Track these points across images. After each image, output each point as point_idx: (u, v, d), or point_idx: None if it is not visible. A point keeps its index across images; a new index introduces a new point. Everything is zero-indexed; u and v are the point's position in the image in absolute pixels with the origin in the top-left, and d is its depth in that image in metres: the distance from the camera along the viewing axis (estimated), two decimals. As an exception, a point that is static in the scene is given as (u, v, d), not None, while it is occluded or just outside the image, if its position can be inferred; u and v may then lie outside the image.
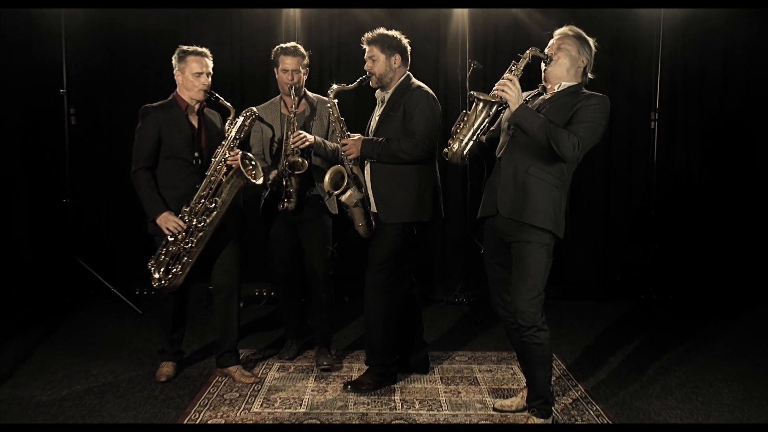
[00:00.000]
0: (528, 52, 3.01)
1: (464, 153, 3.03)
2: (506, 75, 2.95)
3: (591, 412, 3.37)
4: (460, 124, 3.05)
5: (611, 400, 3.53)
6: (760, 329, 4.76)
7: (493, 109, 3.01)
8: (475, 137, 3.03)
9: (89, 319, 4.89)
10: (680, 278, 5.52)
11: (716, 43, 5.44)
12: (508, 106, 2.94)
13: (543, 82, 3.10)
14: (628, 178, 5.60)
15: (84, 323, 4.80)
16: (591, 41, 3.08)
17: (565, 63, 3.02)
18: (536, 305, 2.96)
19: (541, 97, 3.09)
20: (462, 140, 3.03)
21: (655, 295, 5.32)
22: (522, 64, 3.00)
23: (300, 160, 3.68)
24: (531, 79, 3.37)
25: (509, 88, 2.90)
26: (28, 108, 5.38)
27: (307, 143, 3.68)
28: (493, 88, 2.94)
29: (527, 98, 3.10)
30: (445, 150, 3.07)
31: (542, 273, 2.98)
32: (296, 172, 3.68)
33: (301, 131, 3.70)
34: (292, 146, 3.67)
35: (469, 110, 3.04)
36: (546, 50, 3.05)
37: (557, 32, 3.09)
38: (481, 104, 2.98)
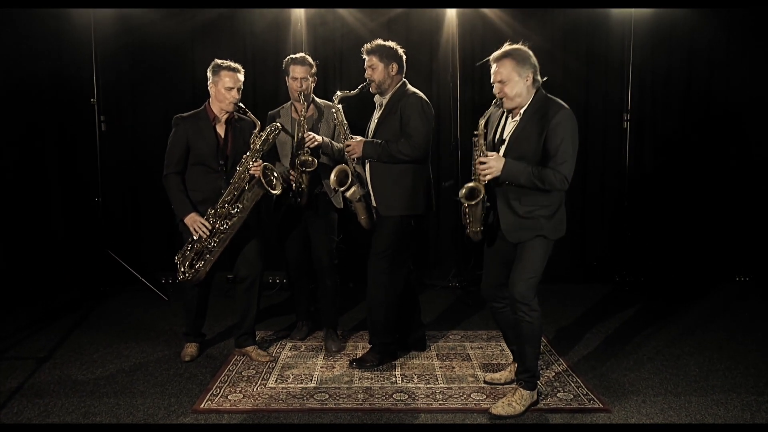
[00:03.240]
0: (480, 126, 2.95)
1: (482, 233, 3.08)
2: (478, 160, 2.92)
3: (572, 384, 3.38)
4: (468, 218, 3.02)
5: (590, 373, 3.53)
6: (721, 307, 4.77)
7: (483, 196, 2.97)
8: (483, 218, 3.04)
9: (120, 306, 4.89)
10: (651, 262, 5.52)
11: (681, 47, 5.42)
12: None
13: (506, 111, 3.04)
14: (602, 173, 5.58)
15: (115, 309, 4.80)
16: (524, 49, 2.93)
17: (514, 92, 2.91)
18: (531, 286, 2.96)
19: (509, 126, 3.01)
20: (476, 229, 3.05)
21: (628, 277, 5.32)
22: (481, 139, 2.95)
23: (310, 158, 3.66)
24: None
25: (488, 170, 2.88)
26: (63, 116, 5.36)
27: (316, 143, 3.67)
28: (477, 175, 2.93)
29: (497, 125, 3.06)
30: (469, 235, 3.10)
31: (540, 260, 2.99)
32: (307, 170, 3.67)
33: (310, 132, 3.69)
34: (305, 146, 3.66)
35: (465, 209, 3.01)
36: (494, 89, 2.96)
37: (492, 61, 2.97)
38: (473, 203, 2.95)
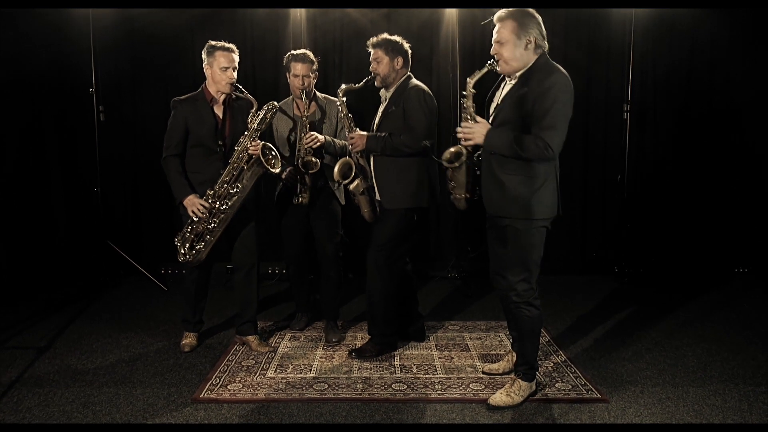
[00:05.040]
0: (468, 86, 2.85)
1: (467, 201, 3.04)
2: (462, 124, 2.85)
3: (570, 375, 3.39)
4: (451, 183, 2.97)
5: (588, 364, 3.54)
6: (720, 299, 4.78)
7: (466, 158, 2.93)
8: (469, 185, 2.99)
9: (119, 296, 4.90)
10: (650, 254, 5.53)
11: (682, 41, 5.41)
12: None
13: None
14: (603, 164, 5.58)
15: (115, 300, 4.81)
16: (530, 11, 2.78)
17: (510, 54, 2.76)
18: (526, 283, 2.93)
19: (502, 89, 2.92)
20: (460, 196, 3.01)
21: (627, 269, 5.32)
22: (470, 101, 2.86)
23: (313, 159, 3.66)
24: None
25: (470, 134, 2.80)
26: (62, 106, 5.35)
27: (318, 144, 3.67)
28: (459, 137, 2.86)
29: (494, 92, 2.98)
30: (454, 202, 3.08)
31: (533, 253, 2.89)
32: (310, 172, 3.68)
33: (312, 132, 3.68)
34: (305, 146, 3.66)
35: (449, 173, 2.99)
36: (492, 49, 2.84)
37: (495, 20, 2.82)
38: (457, 165, 2.93)
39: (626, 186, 5.38)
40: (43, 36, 5.15)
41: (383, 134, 3.46)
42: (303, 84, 3.72)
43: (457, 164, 2.91)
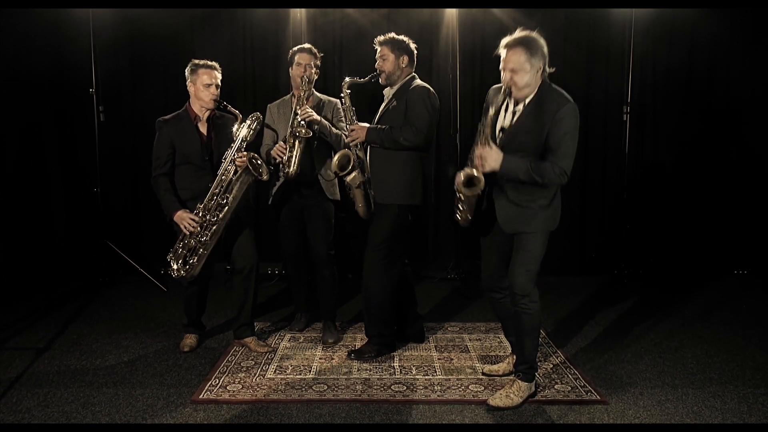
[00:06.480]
0: (489, 116, 2.87)
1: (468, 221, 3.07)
2: (478, 149, 2.85)
3: (569, 376, 3.39)
4: (461, 206, 2.99)
5: (587, 365, 3.54)
6: (719, 300, 4.78)
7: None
8: (475, 208, 3.02)
9: (119, 297, 4.90)
10: (649, 255, 5.53)
11: (681, 42, 5.41)
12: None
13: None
14: (602, 165, 5.57)
15: (114, 300, 4.81)
16: (538, 37, 2.82)
17: (524, 81, 2.82)
18: (530, 278, 2.97)
19: (510, 114, 2.93)
20: (466, 217, 3.03)
21: (627, 270, 5.32)
22: (488, 128, 2.86)
23: (304, 130, 3.62)
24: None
25: (487, 162, 2.83)
26: (61, 106, 5.35)
27: (313, 117, 3.65)
28: (476, 163, 2.85)
29: (492, 107, 2.95)
30: (457, 219, 3.07)
31: (538, 252, 2.98)
32: (300, 136, 3.60)
33: (307, 107, 3.65)
34: (299, 119, 3.63)
35: (462, 195, 2.94)
36: (503, 76, 2.86)
37: (502, 50, 2.84)
38: (476, 193, 2.90)
39: (625, 186, 5.38)
40: (43, 36, 5.16)
41: (384, 127, 3.46)
42: (305, 72, 3.71)
43: (471, 193, 2.89)
